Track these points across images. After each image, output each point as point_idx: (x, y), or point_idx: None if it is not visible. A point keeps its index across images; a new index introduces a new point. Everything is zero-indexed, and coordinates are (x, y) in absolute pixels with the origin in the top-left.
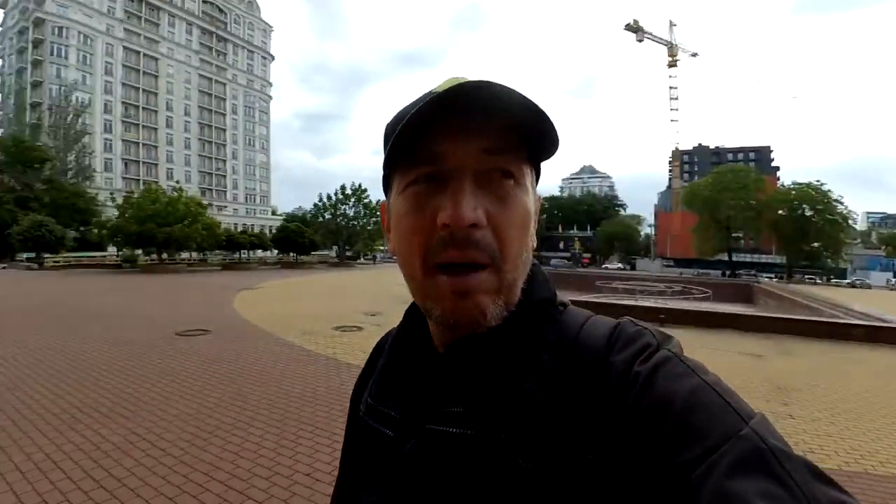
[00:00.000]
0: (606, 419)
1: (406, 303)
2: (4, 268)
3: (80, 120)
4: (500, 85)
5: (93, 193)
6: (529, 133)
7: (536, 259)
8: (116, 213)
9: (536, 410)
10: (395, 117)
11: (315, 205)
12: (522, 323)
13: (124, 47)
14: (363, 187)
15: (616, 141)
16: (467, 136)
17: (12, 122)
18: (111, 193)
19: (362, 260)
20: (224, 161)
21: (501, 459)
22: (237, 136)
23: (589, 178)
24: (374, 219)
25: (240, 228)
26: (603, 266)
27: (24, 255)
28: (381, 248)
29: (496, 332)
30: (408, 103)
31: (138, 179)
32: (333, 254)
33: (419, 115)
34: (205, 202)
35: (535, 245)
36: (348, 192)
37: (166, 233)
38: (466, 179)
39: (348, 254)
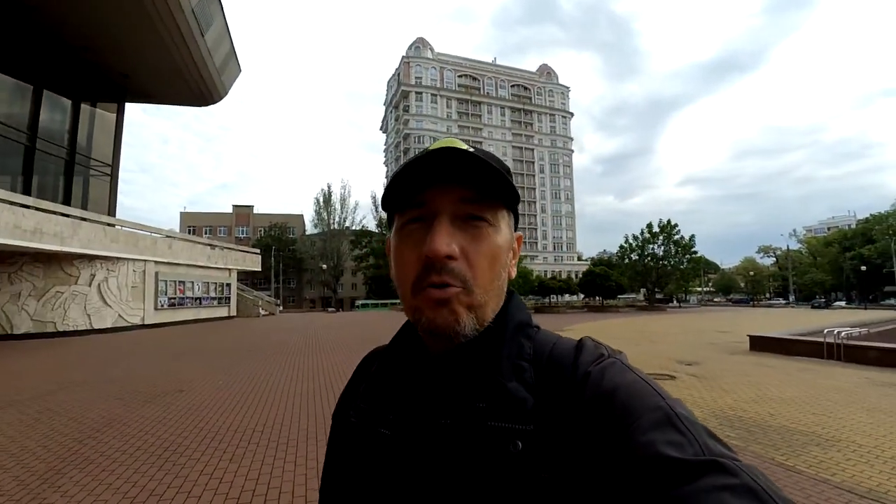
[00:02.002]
0: (571, 407)
1: (728, 352)
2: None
3: None
4: (473, 151)
5: None
6: (497, 188)
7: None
8: None
9: (521, 405)
10: (396, 171)
11: (621, 246)
12: (504, 337)
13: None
14: (672, 223)
15: None
16: (448, 188)
17: None
18: None
19: (675, 303)
20: (535, 215)
21: (493, 446)
22: (545, 191)
23: None
24: (687, 256)
25: (549, 275)
26: None
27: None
28: (699, 289)
29: (483, 342)
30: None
31: None
32: (641, 297)
33: (410, 171)
34: (521, 254)
35: (513, 276)
36: (655, 229)
37: None
38: (444, 221)
39: (658, 296)
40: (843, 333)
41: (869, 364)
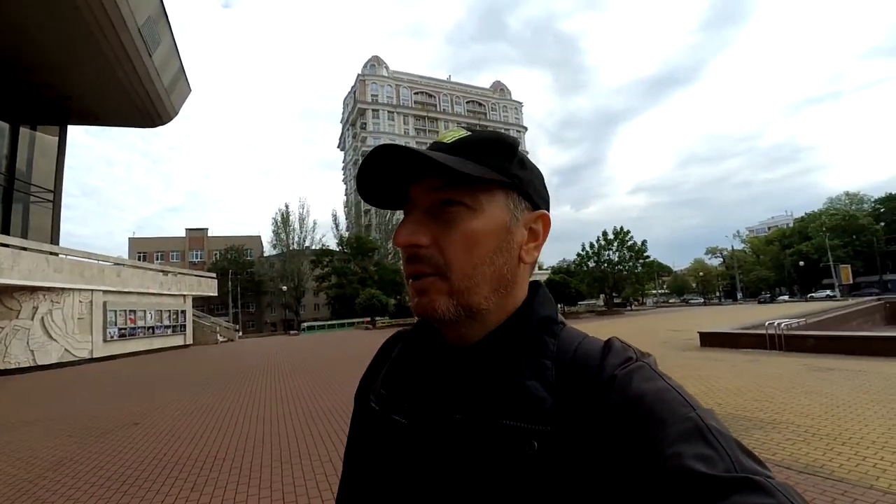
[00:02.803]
0: (595, 411)
1: (680, 349)
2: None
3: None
4: (454, 140)
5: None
6: (468, 175)
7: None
8: None
9: (539, 404)
10: (359, 170)
11: (578, 254)
12: (527, 333)
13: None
14: (625, 229)
15: None
16: (421, 179)
17: (353, 225)
18: None
19: (632, 306)
20: None
21: (508, 445)
22: None
23: None
24: (640, 261)
25: None
26: None
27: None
28: (654, 291)
29: (505, 337)
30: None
31: None
32: (601, 302)
33: (382, 167)
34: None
35: (527, 260)
36: (610, 236)
37: None
38: (415, 211)
39: (616, 300)
40: (782, 325)
41: (807, 352)
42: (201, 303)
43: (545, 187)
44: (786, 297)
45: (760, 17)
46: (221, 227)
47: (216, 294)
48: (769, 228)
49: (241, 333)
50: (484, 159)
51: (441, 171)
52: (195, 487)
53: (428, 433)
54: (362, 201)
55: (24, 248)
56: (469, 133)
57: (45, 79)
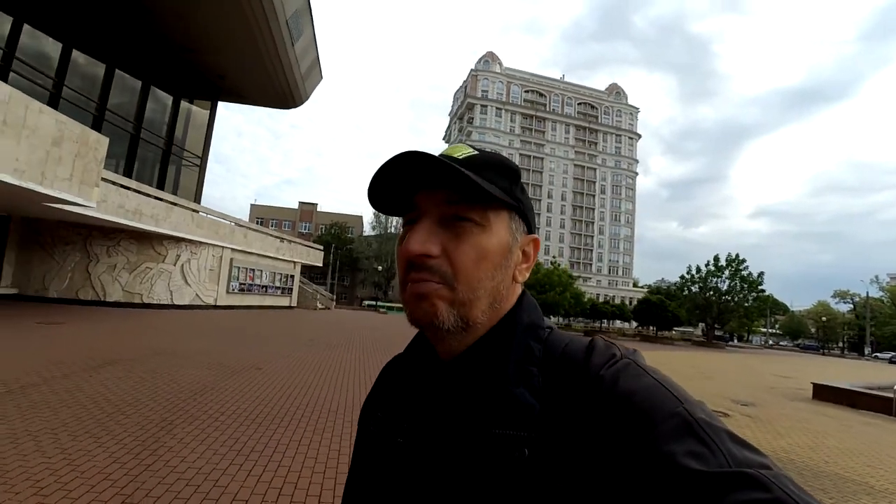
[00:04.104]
0: (583, 413)
1: (788, 398)
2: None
3: None
4: (464, 157)
5: None
6: (483, 192)
7: None
8: None
9: (527, 411)
10: (375, 174)
11: (681, 277)
12: (512, 341)
13: (520, 154)
14: (741, 258)
15: None
16: (434, 190)
17: None
18: None
19: (736, 342)
20: (591, 237)
21: (500, 454)
22: (604, 212)
23: None
24: (753, 293)
25: (602, 299)
26: None
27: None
28: (763, 330)
29: (491, 346)
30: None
31: None
32: (699, 331)
33: (401, 176)
34: (574, 274)
35: (519, 280)
36: (722, 263)
37: (542, 298)
38: (427, 220)
39: (718, 333)
40: None
41: None
42: (304, 271)
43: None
44: None
45: None
46: (329, 203)
47: (321, 265)
48: None
49: (335, 304)
50: (495, 180)
51: (462, 185)
52: (316, 430)
53: (424, 449)
54: None
55: (176, 204)
56: (476, 152)
57: (204, 59)
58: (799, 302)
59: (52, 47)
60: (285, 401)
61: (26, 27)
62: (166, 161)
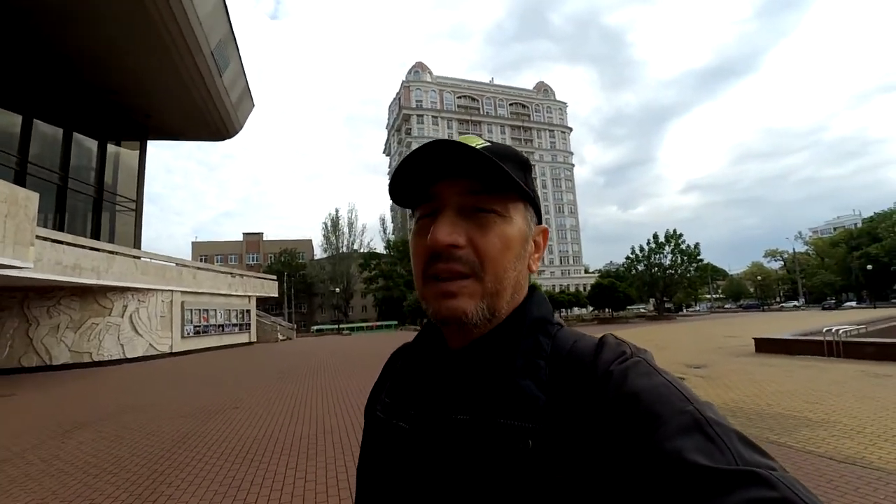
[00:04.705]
0: (591, 407)
1: (735, 355)
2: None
3: None
4: (481, 147)
5: None
6: (505, 181)
7: None
8: None
9: (532, 402)
10: (399, 164)
11: (627, 258)
12: (521, 334)
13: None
14: (678, 232)
15: None
16: (455, 180)
17: (400, 228)
18: None
19: (685, 311)
20: None
21: (504, 444)
22: (548, 206)
23: None
24: (693, 264)
25: (557, 289)
26: None
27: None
28: (708, 296)
29: (500, 338)
30: (412, 152)
31: None
32: (651, 307)
33: (417, 163)
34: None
35: (533, 270)
36: (661, 239)
37: None
38: (450, 211)
39: (668, 305)
40: (841, 331)
41: (867, 359)
42: (259, 303)
43: None
44: (853, 304)
45: (821, 1)
46: (274, 231)
47: (277, 295)
48: (835, 229)
49: (296, 333)
50: (514, 171)
51: (491, 175)
52: (308, 457)
53: (428, 436)
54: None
55: (116, 253)
56: (489, 143)
57: (128, 100)
58: (735, 266)
59: None
60: (270, 433)
61: None
62: (99, 209)
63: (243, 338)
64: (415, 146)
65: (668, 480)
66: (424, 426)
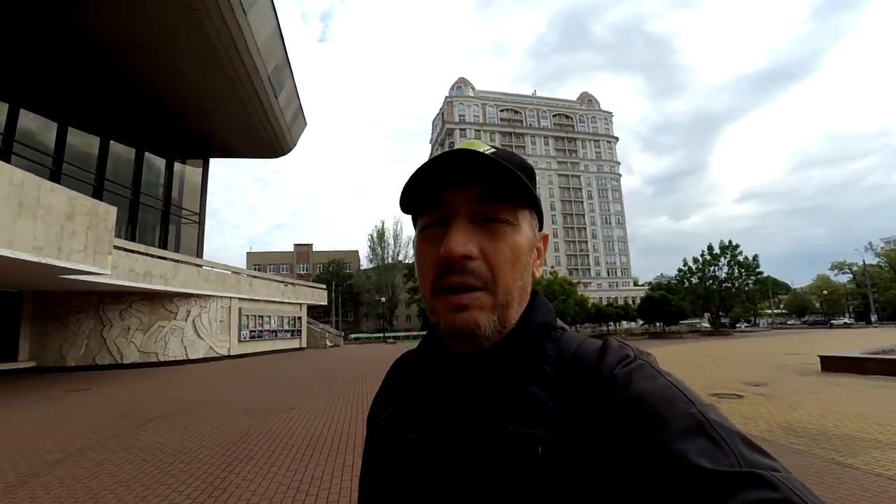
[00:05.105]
0: (596, 412)
1: (798, 373)
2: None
3: None
4: (491, 153)
5: None
6: (514, 188)
7: None
8: None
9: (541, 409)
10: (414, 172)
11: (679, 270)
12: (526, 340)
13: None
14: (734, 243)
15: None
16: (465, 188)
17: None
18: None
19: (742, 327)
20: (585, 242)
21: (514, 452)
22: (595, 217)
23: None
24: (752, 277)
25: (604, 301)
26: None
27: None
28: (769, 311)
29: (505, 346)
30: (427, 161)
31: None
32: (706, 321)
33: (427, 173)
34: (574, 281)
35: (537, 276)
36: (716, 251)
37: None
38: (462, 220)
39: (724, 320)
40: None
41: None
42: (308, 311)
43: None
44: None
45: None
46: (323, 242)
47: (326, 303)
48: None
49: (343, 341)
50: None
51: (505, 183)
52: None
53: (438, 446)
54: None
55: (182, 262)
56: (494, 148)
57: (193, 122)
58: (799, 279)
59: (48, 127)
60: (328, 432)
61: (22, 111)
62: (166, 221)
63: (294, 343)
64: None
65: (672, 483)
66: (432, 436)
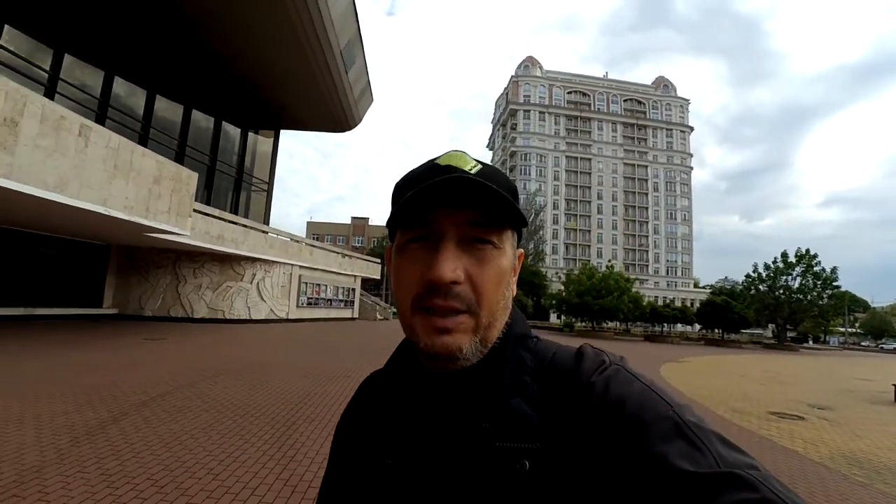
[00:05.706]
0: (577, 420)
1: (868, 401)
2: None
3: (538, 218)
4: (479, 175)
5: (543, 272)
6: (505, 212)
7: None
8: (561, 287)
9: (526, 422)
10: (399, 184)
11: (747, 276)
12: (505, 352)
13: (566, 156)
14: (812, 252)
15: None
16: (455, 210)
17: None
18: (556, 272)
19: (810, 343)
20: (646, 237)
21: (501, 467)
22: (658, 211)
23: None
24: (828, 291)
25: (661, 301)
26: None
27: None
28: (842, 329)
29: (484, 361)
30: (412, 170)
31: (575, 259)
32: (769, 333)
33: (420, 191)
34: (630, 276)
35: (513, 293)
36: (791, 259)
37: (599, 304)
38: (450, 243)
39: (790, 334)
40: None
41: None
42: (361, 283)
43: None
44: None
45: None
46: (378, 217)
47: (379, 277)
48: None
49: (392, 315)
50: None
51: (498, 210)
52: None
53: (419, 469)
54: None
55: (251, 228)
56: (481, 165)
57: (267, 94)
58: (881, 297)
59: (137, 94)
60: None
61: (116, 78)
62: (238, 188)
63: (347, 313)
64: (520, 141)
65: (654, 487)
66: (412, 460)
